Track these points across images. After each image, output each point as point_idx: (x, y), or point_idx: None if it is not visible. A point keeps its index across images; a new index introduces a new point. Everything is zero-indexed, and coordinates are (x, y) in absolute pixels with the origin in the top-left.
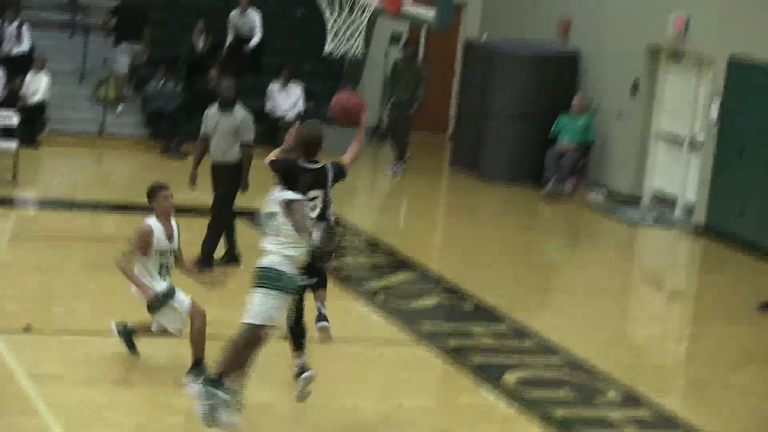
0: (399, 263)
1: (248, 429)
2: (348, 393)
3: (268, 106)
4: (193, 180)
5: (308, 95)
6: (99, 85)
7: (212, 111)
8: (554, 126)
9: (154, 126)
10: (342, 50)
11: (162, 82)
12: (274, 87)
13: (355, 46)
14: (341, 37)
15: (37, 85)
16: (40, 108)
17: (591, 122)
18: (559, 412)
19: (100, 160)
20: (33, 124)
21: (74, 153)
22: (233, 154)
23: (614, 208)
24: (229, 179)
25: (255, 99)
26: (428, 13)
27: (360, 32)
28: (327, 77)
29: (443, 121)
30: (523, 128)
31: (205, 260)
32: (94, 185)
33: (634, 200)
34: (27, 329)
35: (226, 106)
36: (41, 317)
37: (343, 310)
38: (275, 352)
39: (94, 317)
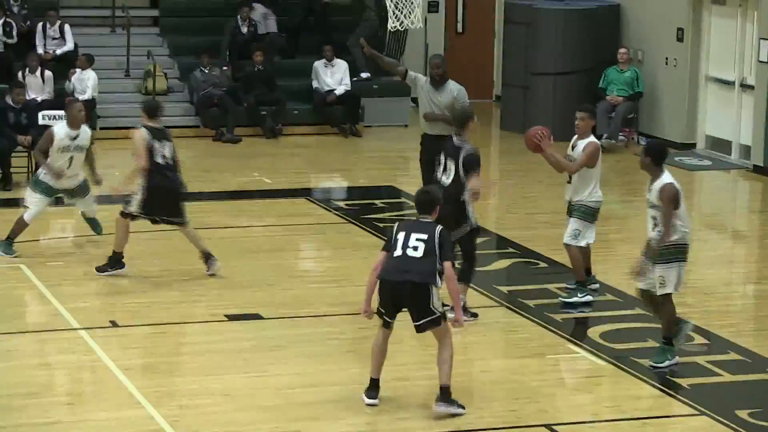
0: None
1: None
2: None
3: (315, 83)
4: None
5: (353, 71)
6: (145, 77)
7: (425, 87)
8: (601, 80)
9: (204, 113)
10: (405, 24)
11: (207, 69)
12: (319, 64)
13: (414, 19)
14: (403, 11)
15: (86, 83)
16: (91, 105)
17: (638, 73)
18: (647, 363)
19: None
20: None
21: (127, 147)
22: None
23: (669, 155)
24: None
25: (299, 78)
26: None
27: (419, 4)
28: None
29: (488, 86)
30: (570, 84)
31: None
32: None
33: (688, 147)
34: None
35: (438, 81)
36: (123, 311)
37: None
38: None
39: (172, 307)
